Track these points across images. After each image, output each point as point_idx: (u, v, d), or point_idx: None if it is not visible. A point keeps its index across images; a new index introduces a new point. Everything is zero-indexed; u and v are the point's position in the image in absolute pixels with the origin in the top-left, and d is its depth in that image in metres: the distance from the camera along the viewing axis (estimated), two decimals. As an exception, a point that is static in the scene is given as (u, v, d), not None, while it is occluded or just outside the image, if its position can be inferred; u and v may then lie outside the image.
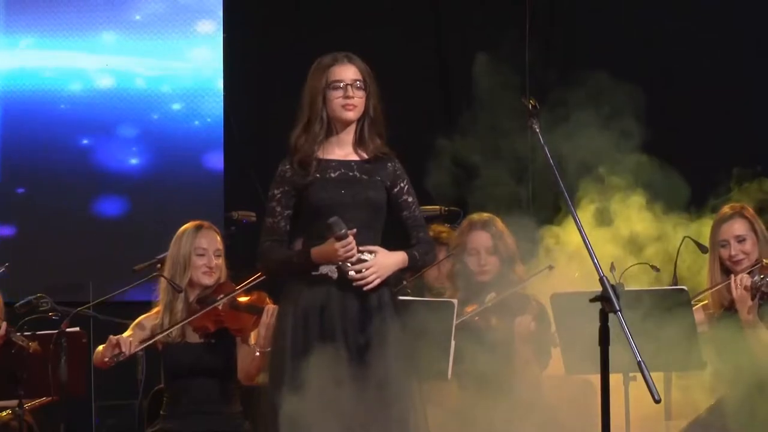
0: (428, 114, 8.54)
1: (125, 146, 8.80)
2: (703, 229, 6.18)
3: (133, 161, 8.80)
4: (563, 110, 6.12)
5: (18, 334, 5.86)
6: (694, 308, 5.79)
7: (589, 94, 6.17)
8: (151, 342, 5.70)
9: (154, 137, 8.80)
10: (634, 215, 6.28)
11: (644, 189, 6.31)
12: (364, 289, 4.77)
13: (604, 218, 6.28)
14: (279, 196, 4.90)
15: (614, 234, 6.24)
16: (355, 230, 4.73)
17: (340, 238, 4.70)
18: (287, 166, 4.91)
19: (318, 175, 4.85)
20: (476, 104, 6.29)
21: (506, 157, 6.38)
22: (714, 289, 5.86)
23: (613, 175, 6.31)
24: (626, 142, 6.12)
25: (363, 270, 4.75)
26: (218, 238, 5.95)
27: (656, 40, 8.35)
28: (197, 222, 5.98)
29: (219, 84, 8.81)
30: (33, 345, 5.86)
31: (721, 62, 8.26)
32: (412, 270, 5.12)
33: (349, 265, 4.75)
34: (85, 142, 8.79)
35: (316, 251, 4.79)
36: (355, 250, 4.73)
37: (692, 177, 6.44)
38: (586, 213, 6.20)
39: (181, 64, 8.84)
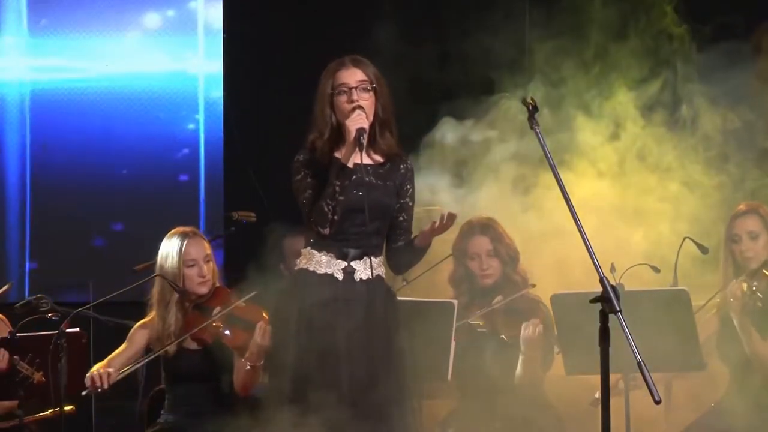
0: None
1: (126, 147, 8.81)
2: None
3: (134, 162, 8.81)
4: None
5: (22, 362, 5.83)
6: (709, 315, 5.79)
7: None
8: (150, 358, 5.66)
9: (154, 137, 8.80)
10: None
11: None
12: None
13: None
14: (305, 173, 4.83)
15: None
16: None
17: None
18: (302, 157, 4.86)
19: (337, 181, 4.76)
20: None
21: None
22: (717, 294, 5.83)
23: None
24: None
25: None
26: (205, 243, 5.82)
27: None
28: (181, 230, 5.83)
29: (219, 84, 8.81)
30: (38, 376, 5.84)
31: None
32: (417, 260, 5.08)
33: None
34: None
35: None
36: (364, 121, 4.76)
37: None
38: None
39: (182, 65, 8.85)
